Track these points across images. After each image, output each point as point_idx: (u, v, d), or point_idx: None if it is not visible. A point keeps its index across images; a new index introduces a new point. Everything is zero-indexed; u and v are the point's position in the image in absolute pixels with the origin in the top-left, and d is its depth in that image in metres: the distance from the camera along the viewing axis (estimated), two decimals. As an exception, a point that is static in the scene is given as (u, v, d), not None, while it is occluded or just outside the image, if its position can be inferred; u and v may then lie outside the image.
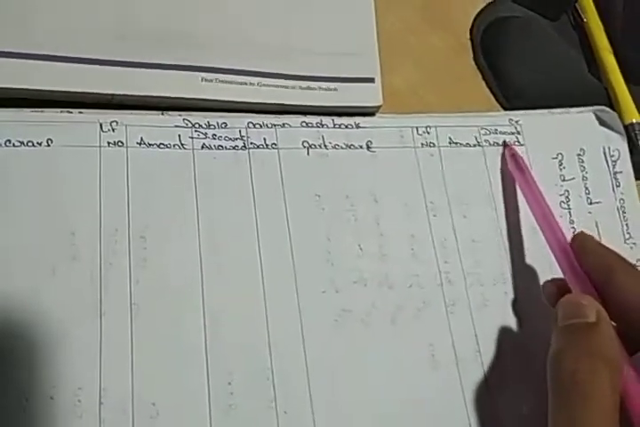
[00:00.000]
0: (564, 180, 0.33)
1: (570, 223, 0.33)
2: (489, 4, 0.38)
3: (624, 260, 0.26)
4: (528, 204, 0.30)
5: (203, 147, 0.29)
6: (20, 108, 0.27)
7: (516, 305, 0.30)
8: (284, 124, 0.31)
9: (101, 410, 0.24)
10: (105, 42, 0.28)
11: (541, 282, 0.30)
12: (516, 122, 0.34)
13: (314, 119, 0.31)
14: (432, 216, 0.31)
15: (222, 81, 0.29)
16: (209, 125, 0.30)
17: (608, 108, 0.35)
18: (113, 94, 0.28)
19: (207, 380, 0.25)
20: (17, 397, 0.23)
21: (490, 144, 0.33)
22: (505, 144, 0.33)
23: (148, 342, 0.25)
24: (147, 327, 0.25)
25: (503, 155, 0.33)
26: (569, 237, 0.29)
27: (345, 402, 0.26)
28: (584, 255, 0.27)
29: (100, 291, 0.25)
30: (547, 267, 0.30)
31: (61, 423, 0.23)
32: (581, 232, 0.29)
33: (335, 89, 0.31)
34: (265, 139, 0.30)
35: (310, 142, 0.31)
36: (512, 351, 0.29)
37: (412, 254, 0.30)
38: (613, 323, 0.24)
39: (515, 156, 0.32)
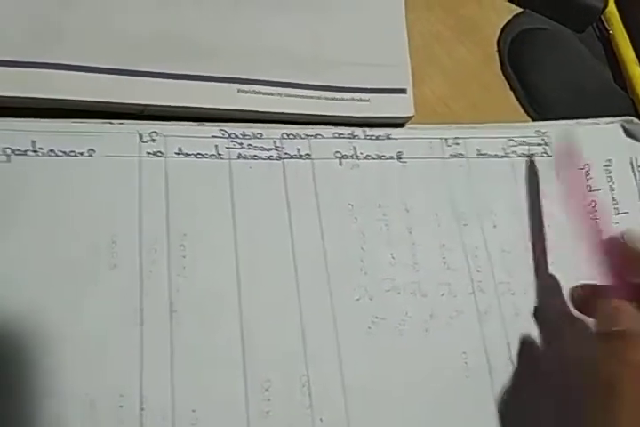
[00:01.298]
0: (590, 190, 0.34)
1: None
2: (515, 15, 0.38)
3: None
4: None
5: (239, 157, 0.30)
6: (58, 118, 0.28)
7: (544, 314, 0.30)
8: (316, 134, 0.31)
9: (143, 416, 0.24)
10: (142, 53, 0.28)
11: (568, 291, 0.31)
12: (544, 133, 0.34)
13: (346, 130, 0.32)
14: (462, 226, 0.31)
15: (258, 92, 0.30)
16: (244, 136, 0.30)
17: (636, 119, 0.35)
18: (151, 105, 0.28)
19: (245, 387, 0.26)
20: (58, 403, 0.24)
21: (517, 155, 0.33)
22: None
23: (187, 349, 0.26)
24: (186, 335, 0.26)
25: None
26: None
27: (379, 409, 0.27)
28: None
29: (140, 299, 0.26)
30: (572, 275, 0.30)
31: (105, 428, 0.24)
32: (630, 230, 0.27)
33: (368, 100, 0.31)
34: (299, 149, 0.31)
35: (342, 153, 0.31)
36: (544, 359, 0.29)
37: (444, 263, 0.30)
38: None
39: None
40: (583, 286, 0.29)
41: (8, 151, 0.27)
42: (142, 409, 0.24)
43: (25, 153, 0.27)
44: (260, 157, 0.30)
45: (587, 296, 0.27)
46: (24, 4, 0.27)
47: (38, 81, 0.26)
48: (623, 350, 0.23)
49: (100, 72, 0.27)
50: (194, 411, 0.25)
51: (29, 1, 0.27)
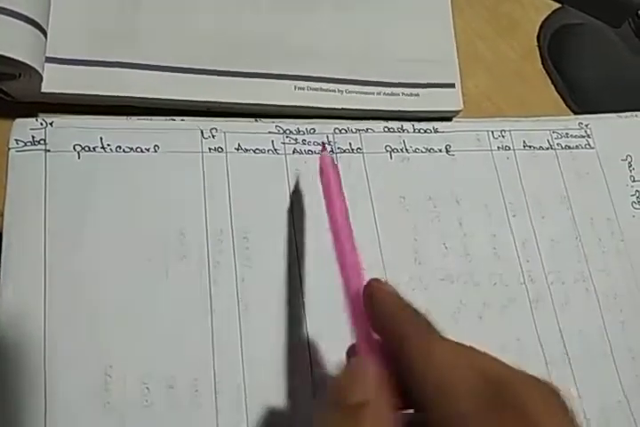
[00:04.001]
0: (634, 180, 0.34)
1: (642, 223, 0.34)
2: (554, 11, 0.39)
3: (418, 322, 0.20)
4: (332, 228, 0.24)
5: (294, 151, 0.31)
6: (125, 115, 0.29)
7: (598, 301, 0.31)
8: (367, 129, 0.32)
9: (217, 400, 0.25)
10: (206, 53, 0.29)
11: (621, 279, 0.32)
12: (586, 125, 0.35)
13: (395, 124, 0.33)
14: (512, 217, 0.32)
15: (313, 88, 0.31)
16: (299, 131, 0.31)
17: (676, 111, 0.36)
18: (213, 102, 0.29)
19: (311, 370, 0.27)
20: (140, 388, 0.25)
21: (562, 147, 0.34)
22: (323, 146, 0.28)
23: (255, 335, 0.27)
24: (254, 321, 0.27)
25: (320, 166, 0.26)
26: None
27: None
28: (376, 313, 0.20)
29: (209, 288, 0.27)
30: (628, 264, 0.31)
31: (182, 411, 0.25)
32: (374, 282, 0.21)
33: (417, 95, 0.32)
34: (350, 143, 0.32)
35: (392, 147, 0.32)
36: (596, 345, 0.30)
37: (495, 253, 0.31)
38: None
39: (333, 167, 0.25)
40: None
41: (78, 148, 0.28)
42: (217, 393, 0.25)
43: (94, 149, 0.28)
44: (314, 152, 0.31)
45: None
46: (98, 7, 0.28)
47: (109, 79, 0.28)
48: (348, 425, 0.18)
49: (169, 71, 0.28)
50: (264, 394, 0.26)
51: (103, 3, 0.28)
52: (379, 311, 0.20)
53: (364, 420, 0.17)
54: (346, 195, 0.30)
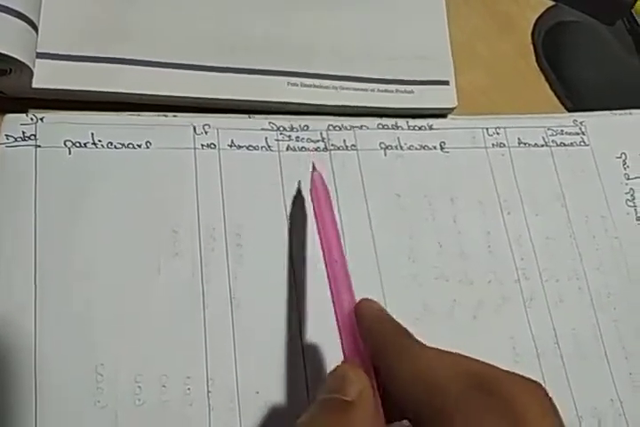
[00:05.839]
0: (628, 178, 0.34)
1: (637, 220, 0.34)
2: (548, 8, 0.39)
3: (401, 339, 0.21)
4: (322, 245, 0.25)
5: (287, 149, 0.30)
6: (117, 111, 0.29)
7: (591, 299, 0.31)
8: (361, 126, 0.32)
9: (210, 398, 0.25)
10: (198, 48, 0.29)
11: (615, 277, 0.31)
12: (581, 123, 0.35)
13: (389, 121, 0.32)
14: (506, 214, 0.32)
15: (306, 85, 0.30)
16: (292, 128, 0.31)
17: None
18: (205, 98, 0.29)
19: (304, 368, 0.26)
20: (130, 386, 0.24)
21: (557, 144, 0.34)
22: (314, 168, 0.28)
23: (248, 333, 0.26)
24: (247, 319, 0.26)
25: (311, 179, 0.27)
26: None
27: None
28: (366, 328, 0.22)
29: (202, 285, 0.27)
30: (622, 262, 0.31)
31: (175, 410, 0.24)
32: (364, 300, 0.23)
33: (412, 91, 0.32)
34: (345, 140, 0.31)
35: (387, 144, 0.32)
36: (590, 343, 0.30)
37: (489, 251, 0.31)
38: None
39: (324, 186, 0.27)
40: None
41: (69, 144, 0.27)
42: (209, 391, 0.25)
43: (85, 145, 0.28)
44: (307, 149, 0.31)
45: None
46: (90, 1, 0.28)
47: (101, 75, 0.27)
48: (338, 421, 0.19)
49: (161, 66, 0.28)
50: (258, 393, 0.25)
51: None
52: (369, 327, 0.22)
53: (355, 417, 0.18)
54: (341, 197, 0.30)
